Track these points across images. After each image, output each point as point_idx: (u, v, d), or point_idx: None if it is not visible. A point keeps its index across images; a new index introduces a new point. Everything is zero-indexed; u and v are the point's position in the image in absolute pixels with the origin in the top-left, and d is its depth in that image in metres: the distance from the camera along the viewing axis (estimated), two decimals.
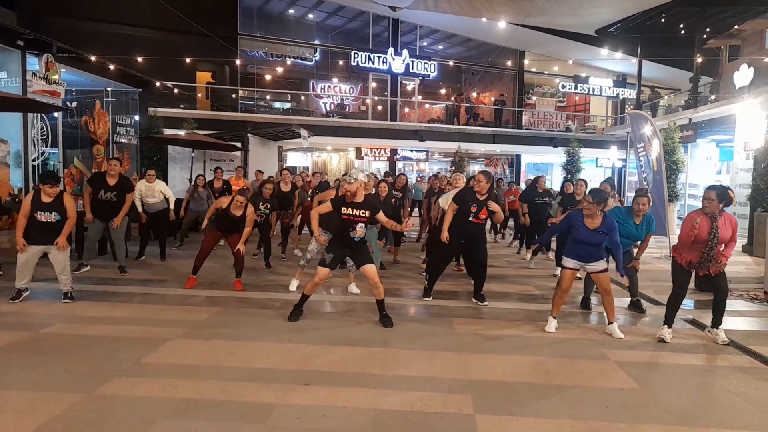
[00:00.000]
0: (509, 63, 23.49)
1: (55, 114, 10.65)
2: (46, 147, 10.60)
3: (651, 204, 5.90)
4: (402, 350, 4.49)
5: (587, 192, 5.19)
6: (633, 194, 6.52)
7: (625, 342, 4.91)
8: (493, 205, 6.00)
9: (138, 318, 5.17)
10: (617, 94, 25.84)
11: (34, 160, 10.08)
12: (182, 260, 8.40)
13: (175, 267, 7.97)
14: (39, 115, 10.16)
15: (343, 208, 5.07)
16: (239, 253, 6.53)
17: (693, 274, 5.09)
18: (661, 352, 4.68)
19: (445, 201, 6.70)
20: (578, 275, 7.70)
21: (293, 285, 6.67)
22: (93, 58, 11.11)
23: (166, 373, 3.83)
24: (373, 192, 6.71)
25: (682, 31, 18.50)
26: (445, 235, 5.97)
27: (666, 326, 4.99)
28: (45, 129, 10.56)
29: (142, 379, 3.71)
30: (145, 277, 7.22)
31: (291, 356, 4.26)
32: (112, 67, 11.90)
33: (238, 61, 20.29)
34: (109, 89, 13.37)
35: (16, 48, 9.55)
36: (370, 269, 5.16)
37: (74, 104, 12.03)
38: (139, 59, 15.16)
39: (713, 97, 17.43)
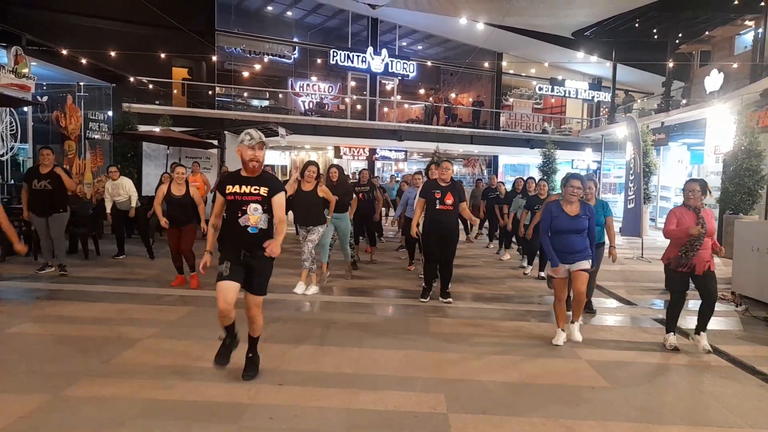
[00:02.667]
0: (487, 64, 23.68)
1: (25, 108, 10.40)
2: (15, 142, 10.34)
3: (590, 190, 5.58)
4: (376, 350, 4.49)
5: (568, 178, 4.79)
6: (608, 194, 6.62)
7: (597, 342, 4.99)
8: (461, 193, 6.09)
9: (110, 318, 5.08)
10: (592, 97, 26.25)
11: (2, 156, 9.83)
12: (167, 258, 8.28)
13: (157, 265, 7.86)
14: (8, 109, 9.90)
15: (228, 186, 3.63)
16: (187, 250, 6.52)
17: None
18: (631, 351, 4.77)
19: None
20: (526, 270, 8.26)
21: (300, 287, 6.39)
22: (65, 52, 10.89)
23: (136, 373, 3.77)
24: (318, 179, 6.48)
25: (656, 36, 18.85)
26: (414, 230, 6.27)
27: (672, 334, 4.84)
28: (14, 124, 10.30)
29: (111, 379, 3.64)
30: (120, 276, 7.10)
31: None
32: (84, 61, 11.68)
33: (214, 58, 20.05)
34: (81, 84, 13.12)
35: None
36: (255, 299, 3.69)
37: (45, 98, 11.78)
38: (113, 54, 14.83)
39: (684, 101, 17.81)
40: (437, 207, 5.95)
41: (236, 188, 3.58)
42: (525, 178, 9.46)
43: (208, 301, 5.93)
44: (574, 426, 3.23)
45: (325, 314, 5.68)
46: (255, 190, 3.57)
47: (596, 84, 26.43)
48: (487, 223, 12.02)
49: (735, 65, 15.24)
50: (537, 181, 8.35)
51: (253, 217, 3.56)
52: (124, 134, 12.98)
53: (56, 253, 6.98)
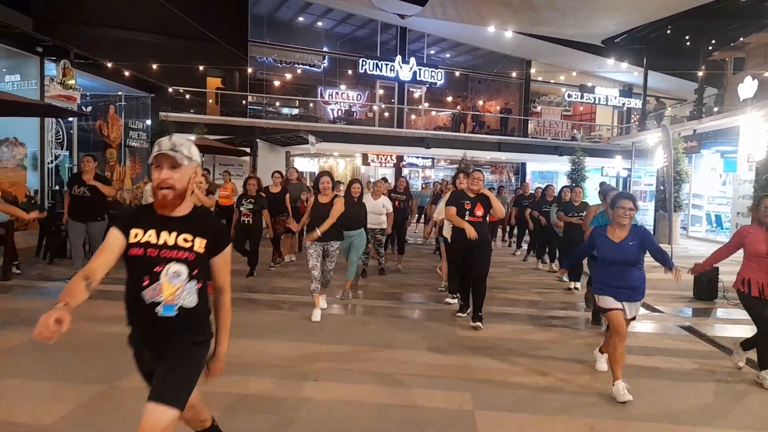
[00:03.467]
0: (515, 72, 23.72)
1: (70, 118, 10.95)
2: (61, 150, 10.89)
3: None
4: (405, 351, 4.68)
5: (618, 198, 3.99)
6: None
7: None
8: (488, 195, 5.57)
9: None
10: (623, 104, 26.00)
11: (50, 163, 10.36)
12: None
13: None
14: (55, 119, 10.45)
15: (132, 230, 2.13)
16: None
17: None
18: (656, 356, 4.84)
19: (442, 209, 6.54)
20: (575, 286, 7.74)
21: (317, 315, 5.62)
22: (109, 65, 11.39)
23: None
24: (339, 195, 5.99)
25: (688, 43, 18.66)
26: (468, 229, 5.38)
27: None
28: (60, 132, 10.86)
29: None
30: None
31: (299, 354, 4.46)
32: (126, 73, 12.18)
33: (248, 69, 20.60)
34: (122, 94, 13.70)
35: (35, 54, 9.85)
36: (160, 416, 2.09)
37: (89, 109, 12.34)
38: (152, 65, 15.43)
39: (717, 108, 17.55)
40: (466, 218, 5.52)
41: (147, 235, 2.09)
42: (562, 186, 9.29)
43: (245, 302, 6.22)
44: (597, 425, 3.36)
45: (357, 317, 5.90)
46: (184, 241, 2.11)
47: (627, 91, 26.17)
48: (516, 230, 12.05)
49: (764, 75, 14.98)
50: (572, 187, 7.99)
51: (169, 287, 2.08)
52: None
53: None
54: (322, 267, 5.78)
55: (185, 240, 2.12)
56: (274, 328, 5.23)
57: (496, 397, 3.73)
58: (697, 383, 4.24)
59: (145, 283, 2.06)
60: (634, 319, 4.06)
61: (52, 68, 10.31)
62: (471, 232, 5.29)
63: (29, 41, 9.67)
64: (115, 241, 2.07)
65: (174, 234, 2.12)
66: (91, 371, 3.90)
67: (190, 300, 2.14)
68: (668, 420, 3.47)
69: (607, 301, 3.89)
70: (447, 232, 6.24)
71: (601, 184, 7.58)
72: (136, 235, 2.09)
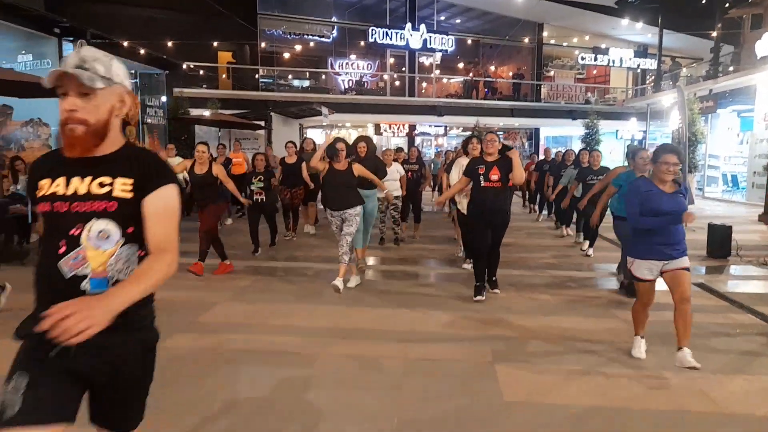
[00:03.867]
0: (527, 36, 23.40)
1: None
2: None
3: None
4: (427, 311, 4.93)
5: (660, 152, 3.75)
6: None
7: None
8: (512, 157, 5.18)
9: (187, 285, 5.68)
10: (637, 65, 25.59)
11: None
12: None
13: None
14: None
15: (41, 181, 1.60)
16: (207, 232, 6.17)
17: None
18: (668, 312, 5.03)
19: (457, 173, 6.23)
20: (587, 252, 7.65)
21: (339, 283, 5.35)
22: (125, 44, 11.55)
23: (219, 329, 4.34)
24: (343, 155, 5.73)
25: (703, 1, 18.27)
26: (442, 199, 6.08)
27: None
28: None
29: (200, 334, 4.22)
30: (186, 249, 7.76)
31: (328, 316, 4.74)
32: (142, 51, 12.32)
33: (258, 41, 20.58)
34: (136, 71, 13.86)
35: (53, 35, 10.03)
36: None
37: None
38: (164, 42, 15.55)
39: (732, 67, 17.28)
40: (482, 184, 5.19)
41: (55, 185, 1.57)
42: (579, 149, 9.35)
43: (272, 270, 6.51)
44: (610, 373, 3.59)
45: (376, 281, 6.17)
46: (99, 186, 1.55)
47: (642, 51, 25.72)
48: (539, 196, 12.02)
49: None
50: (590, 151, 7.97)
51: (96, 254, 1.54)
52: (179, 119, 13.71)
53: None
54: (342, 241, 5.53)
55: (101, 184, 1.53)
56: (302, 292, 5.50)
57: (514, 352, 3.98)
58: (710, 337, 4.43)
59: (62, 251, 1.51)
60: (688, 270, 3.74)
61: (69, 49, 10.48)
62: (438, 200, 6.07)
63: (47, 22, 9.83)
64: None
65: (88, 179, 1.53)
66: None
67: (119, 270, 1.56)
68: (677, 370, 3.67)
69: (642, 269, 3.74)
70: (462, 206, 6.12)
71: (629, 146, 7.54)
72: (42, 186, 1.56)
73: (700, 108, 15.45)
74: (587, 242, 7.85)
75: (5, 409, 1.42)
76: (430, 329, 4.44)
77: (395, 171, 7.71)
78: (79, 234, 1.52)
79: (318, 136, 25.78)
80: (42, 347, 1.45)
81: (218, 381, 3.40)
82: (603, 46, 25.15)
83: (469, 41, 24.73)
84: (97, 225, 1.53)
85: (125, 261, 1.58)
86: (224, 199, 6.69)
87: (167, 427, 2.79)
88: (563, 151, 10.60)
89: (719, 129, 18.18)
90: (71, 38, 10.33)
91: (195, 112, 15.46)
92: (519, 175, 5.20)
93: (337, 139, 5.73)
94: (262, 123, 14.96)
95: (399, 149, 9.98)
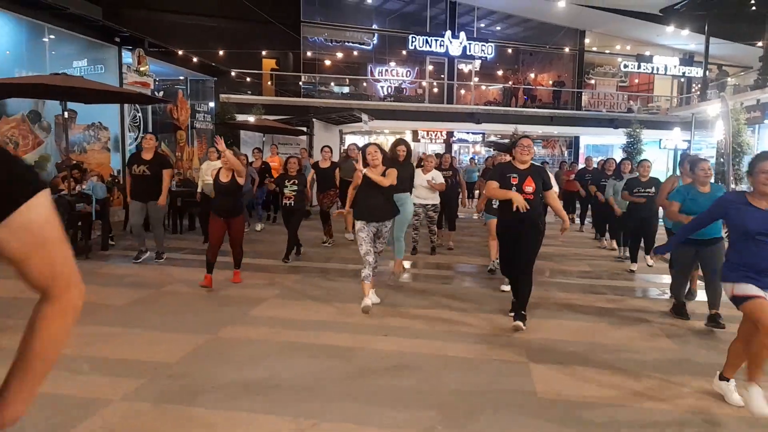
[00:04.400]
0: (568, 45, 23.28)
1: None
2: (139, 132, 11.81)
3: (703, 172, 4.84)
4: (463, 313, 5.14)
5: (757, 159, 3.25)
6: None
7: (667, 316, 5.32)
8: (545, 178, 4.73)
9: (237, 283, 6.04)
10: (683, 73, 25.06)
11: (129, 145, 11.28)
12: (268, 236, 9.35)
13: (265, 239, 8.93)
14: (134, 104, 11.32)
15: None
16: (237, 245, 5.92)
17: None
18: (700, 322, 5.10)
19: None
20: (631, 267, 7.24)
21: (367, 303, 4.99)
22: (180, 52, 12.16)
23: (269, 323, 4.66)
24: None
25: (753, 7, 17.85)
26: (516, 198, 4.50)
27: None
28: (137, 116, 11.76)
29: (252, 326, 4.55)
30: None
31: (369, 314, 4.99)
32: (195, 59, 12.93)
33: (302, 49, 21.14)
34: (186, 78, 14.55)
35: (114, 44, 10.68)
36: None
37: (161, 93, 13.22)
38: (213, 50, 16.22)
39: None
40: None
41: None
42: (621, 159, 9.12)
43: (314, 270, 6.84)
44: (640, 375, 3.73)
45: (415, 285, 6.41)
46: None
47: (687, 59, 25.15)
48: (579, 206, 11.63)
49: None
50: (639, 161, 7.42)
51: None
52: (226, 124, 14.28)
53: (155, 240, 7.01)
54: (368, 255, 5.08)
55: None
56: (345, 292, 5.77)
57: (548, 353, 4.15)
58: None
59: None
60: None
61: (128, 57, 11.14)
62: (519, 201, 4.44)
63: (109, 32, 10.48)
64: None
65: None
66: (195, 323, 4.57)
67: None
68: (707, 374, 3.78)
69: (749, 288, 3.09)
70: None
71: (684, 155, 7.28)
72: None
73: (747, 118, 15.10)
74: (629, 259, 7.49)
75: None
76: (466, 330, 4.65)
77: (431, 178, 7.43)
78: None
79: (357, 141, 26.29)
80: None
81: (268, 367, 3.70)
82: (647, 53, 24.75)
83: (509, 49, 24.71)
84: None
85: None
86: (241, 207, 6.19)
87: (222, 401, 3.10)
88: (604, 159, 10.40)
89: (766, 140, 17.68)
90: (130, 47, 10.95)
91: (240, 117, 16.06)
92: (555, 200, 4.91)
93: (370, 144, 5.36)
94: (305, 128, 15.40)
95: (437, 155, 9.77)
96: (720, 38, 21.27)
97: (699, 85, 22.13)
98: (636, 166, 7.34)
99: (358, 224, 5.13)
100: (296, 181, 7.26)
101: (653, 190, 6.79)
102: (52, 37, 9.74)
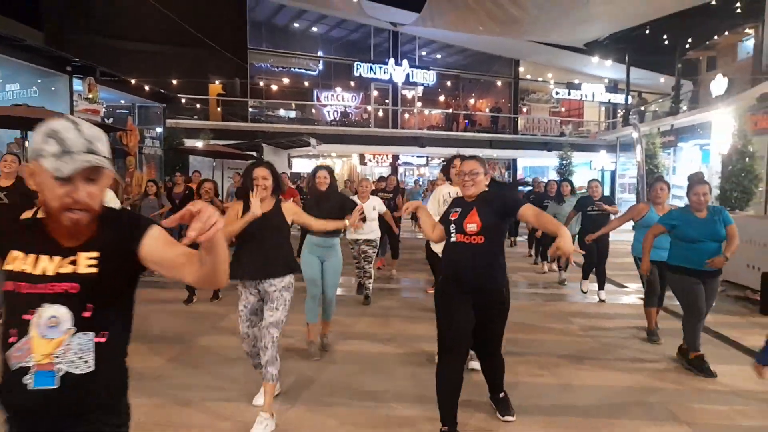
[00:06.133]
0: (504, 73, 24.81)
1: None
2: None
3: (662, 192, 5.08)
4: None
5: (695, 181, 3.92)
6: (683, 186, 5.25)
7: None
8: (507, 202, 3.16)
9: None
10: (608, 100, 27.15)
11: None
12: None
13: None
14: None
15: (12, 252, 1.42)
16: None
17: None
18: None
19: (434, 207, 4.41)
20: (600, 296, 6.70)
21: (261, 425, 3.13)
22: (133, 81, 12.36)
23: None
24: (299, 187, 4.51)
25: (666, 42, 19.80)
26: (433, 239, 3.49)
27: None
28: None
29: (223, 336, 4.99)
30: None
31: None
32: (146, 87, 13.14)
33: (249, 75, 21.55)
34: (135, 104, 14.69)
35: (65, 73, 10.81)
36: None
37: (111, 120, 13.30)
38: (162, 76, 16.41)
39: (684, 107, 18.71)
40: (452, 239, 3.18)
41: (26, 262, 1.41)
42: (557, 180, 9.22)
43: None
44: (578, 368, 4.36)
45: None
46: (69, 265, 1.41)
47: (612, 87, 27.31)
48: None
49: (733, 72, 16.11)
50: (589, 181, 7.33)
51: (42, 343, 1.38)
52: (177, 149, 14.48)
53: None
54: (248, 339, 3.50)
55: (72, 262, 1.39)
56: None
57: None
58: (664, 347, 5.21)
59: (11, 340, 1.37)
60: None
61: (77, 84, 11.27)
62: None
63: (61, 61, 10.62)
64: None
65: (58, 258, 1.40)
66: (170, 336, 4.95)
67: (81, 362, 1.39)
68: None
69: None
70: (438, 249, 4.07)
71: (690, 177, 6.89)
72: (13, 259, 1.41)
73: (662, 142, 16.68)
74: (597, 286, 6.99)
75: None
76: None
77: (372, 208, 6.10)
78: (29, 320, 1.36)
79: (304, 165, 26.69)
80: None
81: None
82: (576, 81, 26.70)
83: (450, 76, 26.05)
84: (48, 311, 1.36)
85: (76, 352, 1.38)
86: None
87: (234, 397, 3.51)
88: (546, 181, 10.33)
89: (683, 161, 19.49)
90: (81, 76, 11.10)
91: (189, 142, 16.25)
92: (537, 217, 3.08)
93: (318, 168, 4.53)
94: (254, 153, 15.76)
95: (381, 178, 9.61)
96: (640, 68, 23.30)
97: (623, 111, 24.08)
98: (587, 188, 7.27)
99: (240, 285, 3.47)
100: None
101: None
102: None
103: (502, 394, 3.44)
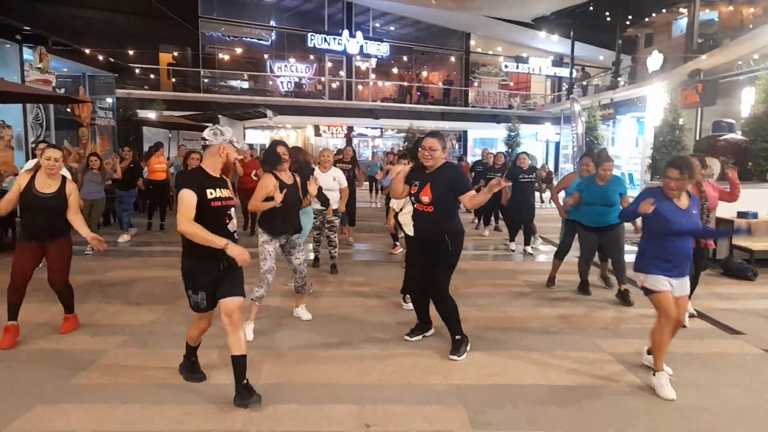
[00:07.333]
0: (456, 46, 25.32)
1: None
2: (41, 130, 11.71)
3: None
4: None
5: (670, 163, 3.54)
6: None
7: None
8: (455, 179, 3.85)
9: (168, 265, 6.72)
10: (554, 74, 28.18)
11: (32, 143, 11.20)
12: None
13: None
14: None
15: (208, 191, 3.11)
16: (59, 282, 4.26)
17: None
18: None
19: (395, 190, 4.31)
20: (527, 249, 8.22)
21: (250, 329, 4.31)
22: (87, 51, 12.17)
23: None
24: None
25: (608, 18, 20.77)
26: (390, 223, 5.65)
27: None
28: (40, 114, 11.65)
29: None
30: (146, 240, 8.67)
31: None
32: (97, 56, 12.93)
33: (200, 44, 21.19)
34: (87, 74, 14.41)
35: (15, 42, 10.59)
36: (234, 303, 3.18)
37: (63, 90, 13.05)
38: (113, 45, 16.05)
39: (622, 82, 19.84)
40: (415, 207, 4.03)
41: (217, 192, 3.18)
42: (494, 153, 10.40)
43: None
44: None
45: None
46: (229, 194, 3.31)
47: (558, 61, 28.31)
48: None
49: (668, 49, 17.21)
50: (518, 154, 8.53)
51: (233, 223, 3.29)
52: (131, 120, 14.35)
53: None
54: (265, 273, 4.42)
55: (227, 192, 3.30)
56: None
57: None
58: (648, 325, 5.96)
59: (228, 221, 3.26)
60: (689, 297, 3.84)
61: (28, 53, 11.03)
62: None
63: (10, 30, 10.37)
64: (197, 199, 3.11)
65: (223, 190, 3.27)
66: (151, 300, 5.33)
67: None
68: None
69: (659, 282, 3.41)
70: (407, 222, 4.75)
71: (584, 151, 8.04)
72: (211, 192, 3.18)
73: (602, 114, 17.72)
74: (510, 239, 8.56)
75: (200, 303, 3.26)
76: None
77: (332, 178, 6.50)
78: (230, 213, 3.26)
79: (258, 137, 26.63)
80: (208, 264, 3.18)
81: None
82: (524, 55, 27.54)
83: (403, 48, 26.35)
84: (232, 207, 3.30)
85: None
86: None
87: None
88: (494, 154, 10.91)
89: (621, 132, 20.74)
90: (31, 45, 10.89)
91: (142, 113, 16.07)
92: (471, 202, 3.82)
93: (277, 143, 4.62)
94: (209, 125, 15.77)
95: (339, 151, 9.86)
96: (583, 43, 24.30)
97: (568, 85, 25.15)
98: (516, 159, 8.41)
99: (265, 237, 4.48)
100: None
101: (533, 176, 8.38)
102: None
103: (458, 337, 4.01)
